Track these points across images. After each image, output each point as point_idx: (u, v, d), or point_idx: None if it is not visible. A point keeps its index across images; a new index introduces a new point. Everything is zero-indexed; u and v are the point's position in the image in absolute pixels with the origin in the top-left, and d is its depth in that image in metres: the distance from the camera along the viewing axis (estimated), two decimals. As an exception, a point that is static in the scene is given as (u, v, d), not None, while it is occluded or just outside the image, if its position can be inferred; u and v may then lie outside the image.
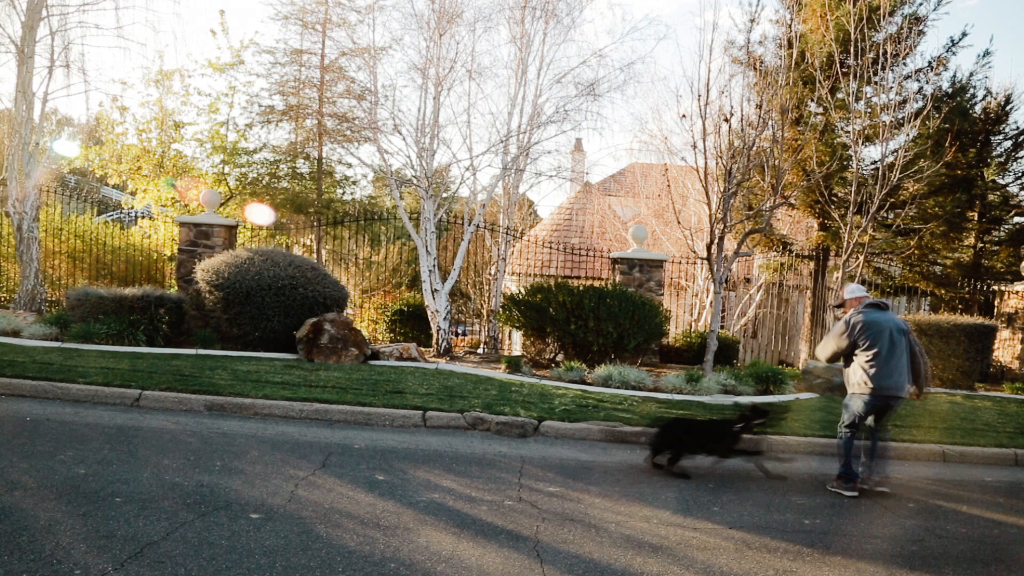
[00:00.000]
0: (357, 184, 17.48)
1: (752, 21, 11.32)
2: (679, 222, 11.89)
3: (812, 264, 15.22)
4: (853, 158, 11.10)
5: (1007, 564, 4.05)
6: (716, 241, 10.17)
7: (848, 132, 11.61)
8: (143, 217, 16.28)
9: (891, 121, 10.91)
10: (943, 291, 14.73)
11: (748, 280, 18.31)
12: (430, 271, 11.55)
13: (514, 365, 9.64)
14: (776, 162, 10.44)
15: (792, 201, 13.75)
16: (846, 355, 5.62)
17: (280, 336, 9.54)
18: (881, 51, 10.87)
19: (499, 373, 9.30)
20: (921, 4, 13.46)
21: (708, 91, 10.05)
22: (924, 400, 9.24)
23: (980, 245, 15.57)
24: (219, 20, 15.06)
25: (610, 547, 3.90)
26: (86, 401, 6.54)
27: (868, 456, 5.54)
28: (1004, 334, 13.23)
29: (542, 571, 3.52)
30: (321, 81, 14.29)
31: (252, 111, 14.80)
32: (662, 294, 12.11)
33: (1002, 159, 15.62)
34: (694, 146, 10.17)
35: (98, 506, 3.87)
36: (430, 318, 11.71)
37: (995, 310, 14.11)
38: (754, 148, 10.23)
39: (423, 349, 11.36)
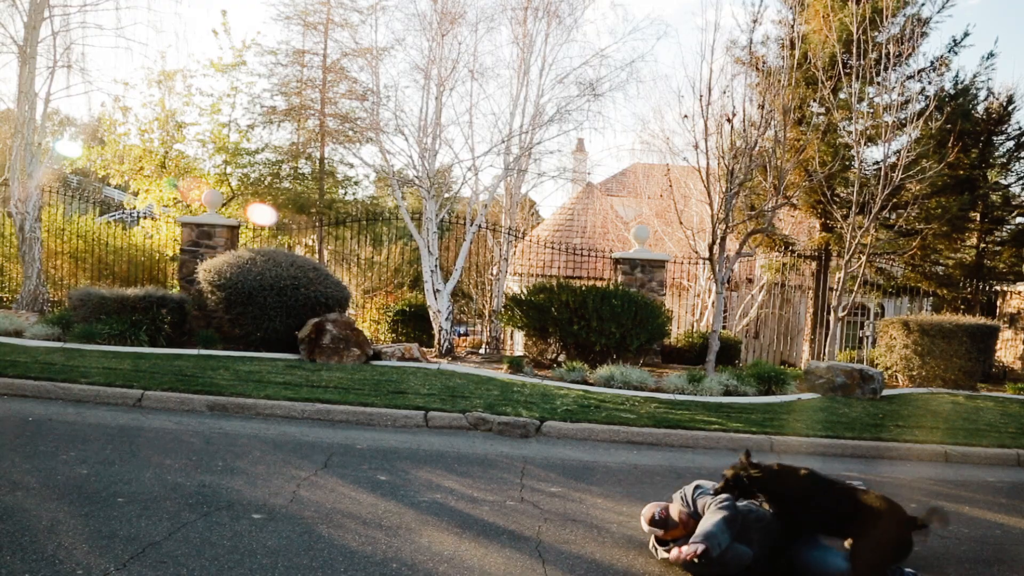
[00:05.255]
0: (359, 184, 17.51)
1: (755, 21, 11.22)
2: (681, 222, 11.89)
3: (814, 264, 15.19)
4: (855, 158, 11.08)
5: (1009, 564, 4.04)
6: (718, 241, 10.16)
7: (850, 132, 11.60)
8: (145, 217, 16.30)
9: (893, 122, 10.89)
10: (945, 291, 14.70)
11: (750, 280, 18.29)
12: (432, 271, 11.55)
13: (516, 365, 9.63)
14: (778, 162, 10.43)
15: (794, 201, 13.74)
16: None
17: (282, 336, 9.54)
18: (884, 51, 10.84)
19: (501, 373, 9.30)
20: (924, 4, 13.45)
21: (710, 91, 10.04)
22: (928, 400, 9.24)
23: (982, 245, 15.52)
24: (221, 20, 15.09)
25: (612, 547, 3.90)
26: (88, 401, 6.54)
27: None
28: (1006, 334, 13.21)
29: (544, 571, 3.52)
30: (323, 81, 14.31)
31: (254, 111, 14.82)
32: (664, 294, 12.10)
33: (1004, 159, 15.58)
34: (696, 146, 10.16)
35: (100, 506, 3.88)
36: (432, 318, 11.70)
37: (997, 310, 14.08)
38: (756, 148, 10.21)
39: (425, 349, 11.36)
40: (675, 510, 3.82)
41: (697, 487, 3.84)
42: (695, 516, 3.73)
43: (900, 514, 3.54)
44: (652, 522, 3.76)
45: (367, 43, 12.95)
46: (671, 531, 3.74)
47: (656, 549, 3.80)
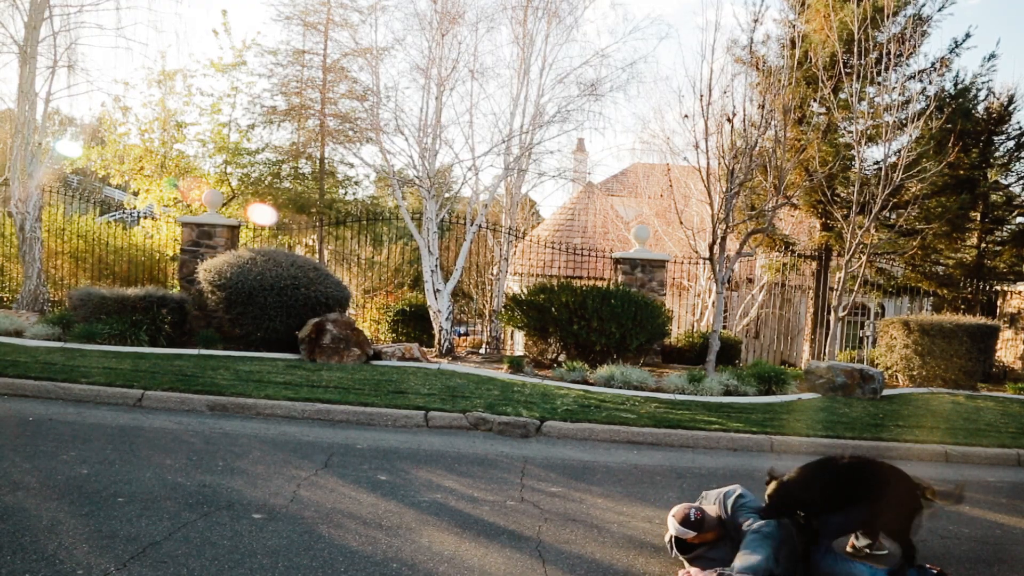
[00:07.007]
0: (359, 184, 17.50)
1: (756, 21, 11.21)
2: (681, 222, 11.87)
3: (815, 264, 15.19)
4: (856, 158, 11.08)
5: (1010, 564, 4.04)
6: (718, 241, 10.16)
7: (851, 132, 11.60)
8: (145, 217, 16.30)
9: (894, 121, 10.88)
10: (946, 291, 14.70)
11: (750, 280, 18.29)
12: (432, 271, 11.55)
13: (516, 365, 9.64)
14: (779, 162, 10.42)
15: (795, 201, 13.73)
16: None
17: (282, 336, 9.54)
18: (884, 51, 10.84)
19: (501, 373, 9.30)
20: (925, 4, 13.44)
21: (710, 91, 10.04)
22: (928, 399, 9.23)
23: (983, 245, 15.51)
24: (221, 20, 15.10)
25: (612, 547, 3.90)
26: (88, 401, 6.55)
27: None
28: (1007, 334, 13.21)
29: (544, 571, 3.52)
30: (323, 81, 14.31)
31: (254, 111, 14.82)
32: (664, 294, 12.09)
33: (1005, 159, 15.58)
34: (696, 146, 10.15)
35: (100, 506, 3.88)
36: (432, 318, 11.70)
37: (997, 310, 14.07)
38: (756, 148, 10.20)
39: (425, 349, 11.36)
40: (712, 510, 3.66)
41: (740, 496, 3.69)
42: (732, 526, 3.59)
43: (907, 478, 3.56)
44: (685, 523, 3.53)
45: (367, 43, 12.95)
46: (705, 534, 3.54)
47: (671, 546, 3.65)
